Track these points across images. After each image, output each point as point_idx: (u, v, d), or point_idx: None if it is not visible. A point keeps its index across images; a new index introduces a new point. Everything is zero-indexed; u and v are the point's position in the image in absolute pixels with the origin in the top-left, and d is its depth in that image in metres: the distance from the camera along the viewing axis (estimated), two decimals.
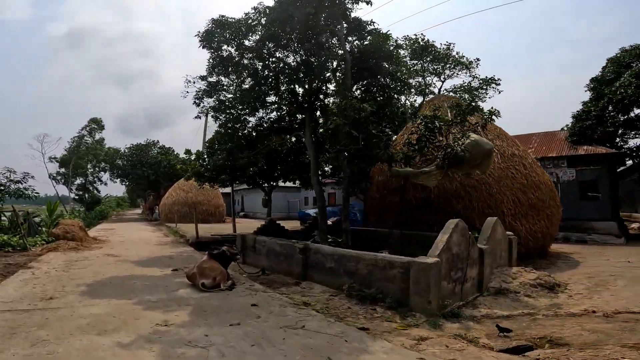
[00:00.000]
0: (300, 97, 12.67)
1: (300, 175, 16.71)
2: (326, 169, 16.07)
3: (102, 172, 49.68)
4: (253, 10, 11.38)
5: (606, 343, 5.00)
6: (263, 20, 11.34)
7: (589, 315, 6.28)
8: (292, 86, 12.62)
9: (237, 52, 11.85)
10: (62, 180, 48.93)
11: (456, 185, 10.47)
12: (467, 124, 9.12)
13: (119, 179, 42.91)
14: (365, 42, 12.13)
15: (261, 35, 11.41)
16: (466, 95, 20.47)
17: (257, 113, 13.84)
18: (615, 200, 18.59)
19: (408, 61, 18.79)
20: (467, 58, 19.85)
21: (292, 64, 11.99)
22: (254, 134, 14.05)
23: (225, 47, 11.90)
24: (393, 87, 11.63)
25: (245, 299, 6.55)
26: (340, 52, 11.61)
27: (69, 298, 6.26)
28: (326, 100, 12.81)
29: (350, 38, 12.15)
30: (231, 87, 13.18)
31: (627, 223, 21.99)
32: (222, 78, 12.89)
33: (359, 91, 11.94)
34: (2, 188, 17.30)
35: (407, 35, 19.38)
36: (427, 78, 19.95)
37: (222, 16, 11.48)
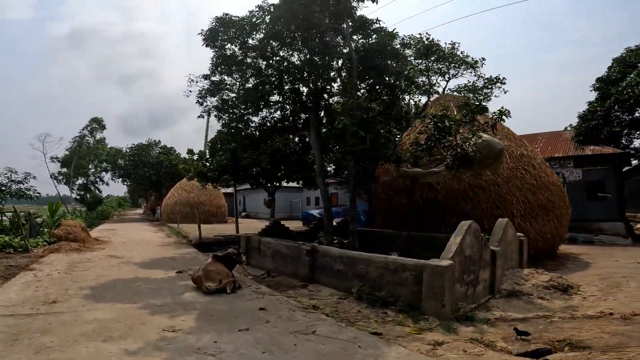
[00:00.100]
0: (304, 97, 12.54)
1: (304, 175, 16.58)
2: (328, 168, 15.92)
3: (104, 172, 49.53)
4: (257, 9, 11.24)
5: (628, 345, 4.85)
6: (267, 19, 11.19)
7: (607, 318, 6.12)
8: (295, 85, 12.48)
9: (240, 51, 11.70)
10: (64, 180, 48.79)
11: (464, 186, 10.31)
12: (477, 123, 8.95)
13: (120, 179, 42.80)
14: (371, 41, 11.99)
15: (265, 33, 11.25)
16: (470, 95, 20.29)
17: (260, 112, 13.71)
18: (622, 201, 18.41)
19: (412, 61, 18.62)
20: (472, 57, 19.70)
21: (296, 62, 11.85)
22: (258, 133, 13.91)
23: (228, 45, 11.75)
24: (399, 86, 11.47)
25: (253, 303, 6.40)
26: (345, 50, 11.46)
27: (72, 302, 6.11)
28: (331, 100, 12.66)
29: (355, 37, 12.00)
30: (234, 87, 13.04)
31: (632, 223, 21.80)
32: (225, 77, 12.76)
33: (364, 90, 11.79)
34: (3, 188, 17.18)
35: (412, 35, 19.19)
36: (432, 78, 19.79)
37: (226, 14, 11.34)
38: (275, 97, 12.81)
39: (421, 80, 18.84)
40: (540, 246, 10.34)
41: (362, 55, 11.36)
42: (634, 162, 22.04)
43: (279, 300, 6.64)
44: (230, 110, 13.07)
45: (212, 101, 13.04)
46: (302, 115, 13.54)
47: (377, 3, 12.10)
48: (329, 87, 12.30)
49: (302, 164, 15.56)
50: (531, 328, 5.56)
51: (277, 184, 18.13)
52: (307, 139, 14.28)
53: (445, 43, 19.46)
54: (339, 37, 11.59)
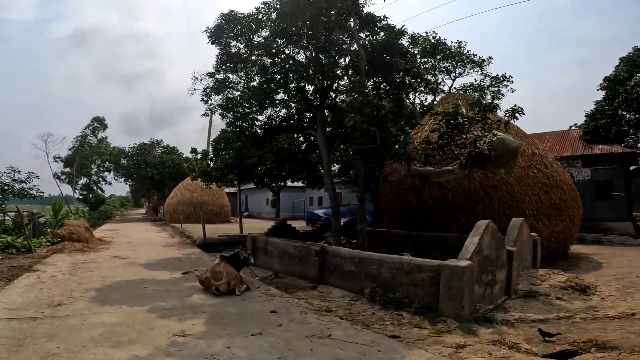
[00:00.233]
0: (310, 95, 12.37)
1: (309, 175, 16.40)
2: (333, 167, 15.73)
3: (107, 172, 49.39)
4: (263, 5, 11.05)
5: None
6: (274, 15, 11.01)
7: (629, 318, 5.93)
8: (301, 83, 12.31)
9: (246, 49, 11.52)
10: (67, 180, 48.64)
11: (475, 185, 10.11)
12: (489, 121, 8.75)
13: (123, 179, 42.69)
14: (379, 38, 11.80)
15: (271, 30, 11.07)
16: (476, 94, 20.09)
17: (265, 111, 13.55)
18: (630, 200, 18.21)
19: (418, 59, 18.41)
20: (479, 56, 19.50)
21: (302, 60, 11.67)
22: (263, 132, 13.73)
23: (233, 43, 11.57)
24: (408, 84, 11.27)
25: (263, 305, 6.22)
26: (354, 47, 11.28)
27: (78, 305, 5.92)
28: (337, 98, 12.48)
29: (362, 34, 11.81)
30: (239, 85, 12.86)
31: None
32: (230, 75, 12.57)
33: (371, 88, 11.60)
34: (6, 188, 17.04)
35: (417, 33, 18.99)
36: (438, 76, 19.58)
37: (232, 11, 11.17)
38: (280, 96, 12.65)
39: (428, 77, 18.62)
40: (553, 246, 10.14)
41: (369, 52, 11.17)
42: None
43: (289, 303, 6.46)
44: (235, 109, 12.90)
45: (216, 99, 12.87)
46: (307, 114, 13.38)
47: (384, 0, 11.98)
48: (335, 84, 12.12)
49: (307, 163, 15.38)
50: (553, 329, 5.37)
51: (282, 184, 17.96)
52: (312, 138, 14.12)
53: (452, 41, 19.30)
54: (345, 35, 11.41)
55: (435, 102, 17.06)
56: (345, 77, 12.06)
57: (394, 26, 11.78)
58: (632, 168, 20.53)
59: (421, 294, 5.92)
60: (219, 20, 11.07)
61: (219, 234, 17.23)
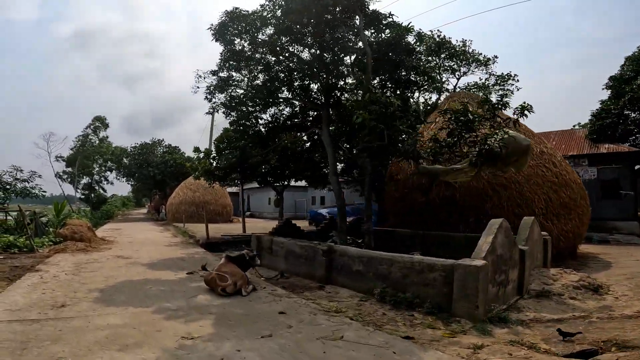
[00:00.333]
0: (314, 93, 12.24)
1: (313, 174, 16.27)
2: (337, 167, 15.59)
3: (109, 172, 49.38)
4: (268, 2, 10.92)
5: None
6: (279, 12, 10.88)
7: None
8: (305, 82, 12.20)
9: (250, 46, 11.38)
10: (69, 180, 48.61)
11: (484, 184, 9.97)
12: (498, 119, 8.60)
13: (124, 178, 42.61)
14: (385, 35, 11.67)
15: (275, 27, 10.94)
16: (481, 93, 19.95)
17: (269, 109, 13.43)
18: (637, 199, 18.04)
19: (422, 57, 18.27)
20: (484, 55, 19.35)
21: (307, 58, 11.54)
22: (266, 131, 13.62)
23: (238, 40, 11.44)
24: (415, 82, 11.13)
25: (270, 306, 6.08)
26: (360, 44, 11.14)
27: (82, 306, 5.78)
28: (343, 96, 12.34)
29: (367, 32, 11.67)
30: (242, 83, 12.74)
31: None
32: (234, 73, 12.45)
33: (377, 85, 11.46)
34: (8, 187, 16.93)
35: (422, 31, 18.81)
36: (442, 75, 19.43)
37: (236, 8, 11.01)
38: (284, 94, 12.54)
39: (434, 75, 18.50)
40: (562, 245, 10.00)
41: (374, 50, 11.04)
42: None
43: (297, 303, 6.32)
44: (239, 107, 12.78)
45: (220, 98, 12.76)
46: (311, 113, 13.25)
47: None
48: (341, 83, 11.98)
49: (311, 163, 15.26)
50: (571, 329, 5.24)
51: (286, 183, 17.83)
52: (316, 137, 13.99)
53: (457, 40, 19.15)
54: (350, 33, 11.27)
55: (440, 101, 16.93)
56: (351, 75, 11.93)
57: (400, 24, 11.65)
58: (638, 167, 20.37)
59: (433, 294, 5.79)
60: (223, 18, 10.94)
61: (222, 234, 17.11)
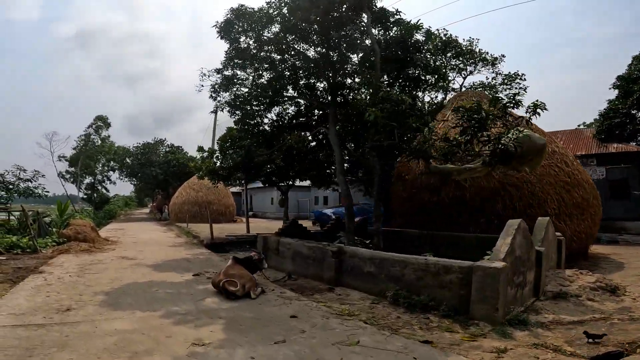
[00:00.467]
0: (320, 92, 12.08)
1: (318, 173, 16.10)
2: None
3: (112, 172, 49.30)
4: None
5: None
6: (285, 10, 10.71)
7: None
8: (311, 80, 12.04)
9: (255, 44, 11.22)
10: (71, 179, 48.53)
11: (494, 184, 9.78)
12: (510, 118, 8.41)
13: (127, 178, 42.53)
14: (392, 33, 11.50)
15: (281, 25, 10.77)
16: (487, 92, 19.76)
17: (274, 108, 13.27)
18: None
19: (428, 56, 18.11)
20: (490, 54, 19.15)
21: (313, 56, 11.37)
22: (271, 130, 13.45)
23: (243, 38, 11.28)
24: (424, 80, 10.95)
25: (281, 309, 5.92)
26: (367, 42, 10.97)
27: (88, 309, 5.61)
28: (350, 95, 12.17)
29: (374, 30, 11.49)
30: (247, 81, 12.58)
31: None
32: (238, 71, 12.29)
33: (385, 83, 11.29)
34: (11, 187, 16.80)
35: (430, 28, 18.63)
36: (449, 74, 19.24)
37: (242, 6, 10.86)
38: (289, 93, 12.38)
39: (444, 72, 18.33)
40: (575, 246, 9.81)
41: (382, 48, 10.87)
42: None
43: (308, 306, 6.15)
44: (243, 106, 12.62)
45: (224, 96, 12.59)
46: (317, 112, 13.09)
47: None
48: (350, 80, 11.82)
49: (316, 162, 15.09)
50: (592, 331, 5.08)
51: (291, 183, 17.66)
52: (321, 136, 13.82)
53: (463, 39, 18.97)
54: (357, 31, 11.09)
55: (445, 101, 16.72)
56: (359, 74, 11.76)
57: (408, 21, 11.48)
58: None
59: (449, 296, 5.63)
60: (228, 15, 10.80)
61: (226, 234, 16.94)
